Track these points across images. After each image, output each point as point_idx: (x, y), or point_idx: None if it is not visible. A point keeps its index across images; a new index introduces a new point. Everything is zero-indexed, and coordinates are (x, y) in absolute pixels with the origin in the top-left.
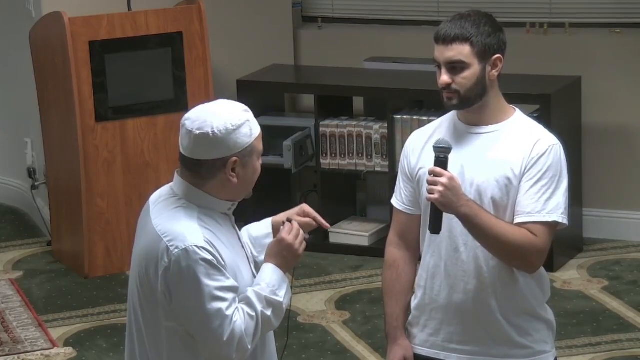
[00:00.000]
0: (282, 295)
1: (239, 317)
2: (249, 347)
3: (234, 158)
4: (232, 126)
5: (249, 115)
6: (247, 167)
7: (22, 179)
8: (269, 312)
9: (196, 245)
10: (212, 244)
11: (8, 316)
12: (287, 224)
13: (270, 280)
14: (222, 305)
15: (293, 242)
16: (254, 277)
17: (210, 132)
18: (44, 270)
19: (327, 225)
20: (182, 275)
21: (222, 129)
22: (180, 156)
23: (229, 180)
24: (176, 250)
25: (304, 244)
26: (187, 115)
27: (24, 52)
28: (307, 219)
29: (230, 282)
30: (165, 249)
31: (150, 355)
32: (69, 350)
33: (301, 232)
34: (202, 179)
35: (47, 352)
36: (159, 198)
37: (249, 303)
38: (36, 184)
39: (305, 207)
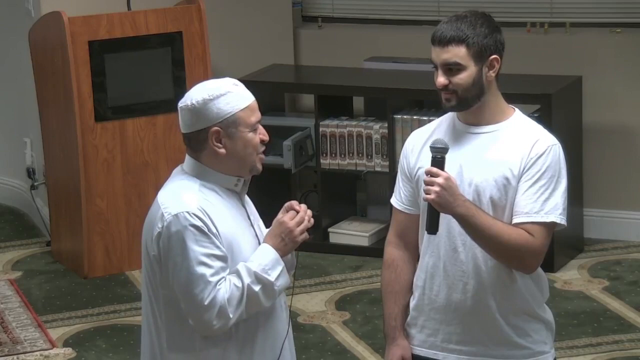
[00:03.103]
0: (273, 275)
1: (223, 286)
2: (231, 316)
3: (215, 128)
4: (210, 96)
5: (236, 87)
6: (234, 138)
7: (22, 178)
8: (256, 288)
9: (187, 212)
10: (207, 213)
11: (7, 316)
12: (292, 211)
13: (263, 259)
14: (207, 271)
15: (293, 228)
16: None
17: (189, 104)
18: (43, 271)
19: (297, 208)
20: (171, 239)
21: (199, 99)
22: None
23: (217, 152)
24: (169, 216)
25: (305, 234)
26: None
27: (23, 51)
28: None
29: (219, 251)
30: (161, 216)
31: (153, 329)
32: (69, 350)
33: (306, 220)
34: (196, 152)
35: (46, 353)
36: (172, 173)
37: (238, 275)
38: (35, 183)
39: (286, 205)
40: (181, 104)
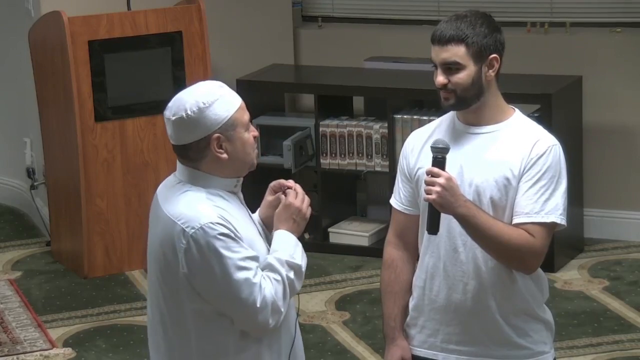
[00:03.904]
0: (299, 258)
1: (266, 284)
2: (282, 310)
3: (216, 135)
4: (204, 104)
5: (223, 90)
6: (233, 140)
7: (21, 178)
8: (292, 275)
9: (211, 222)
10: (226, 219)
11: (7, 316)
12: (291, 191)
13: (287, 246)
14: (249, 274)
15: (301, 206)
16: (268, 250)
17: (185, 115)
18: (43, 271)
19: (289, 184)
20: (203, 253)
21: (195, 109)
22: (172, 147)
23: (219, 157)
24: (192, 230)
25: (310, 209)
26: (167, 105)
27: (23, 51)
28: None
29: (250, 252)
30: (181, 231)
31: (176, 344)
32: (68, 350)
33: (306, 196)
34: (195, 161)
35: (46, 353)
36: (165, 187)
37: (272, 269)
38: (35, 183)
39: (272, 185)
40: (173, 116)
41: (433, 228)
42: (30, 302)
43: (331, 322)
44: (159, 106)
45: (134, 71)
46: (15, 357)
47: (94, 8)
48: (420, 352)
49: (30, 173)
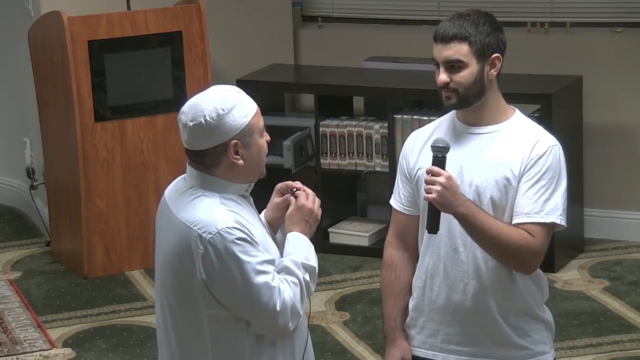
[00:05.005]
0: (313, 260)
1: (285, 287)
2: (301, 312)
3: (234, 141)
4: (224, 110)
5: (241, 96)
6: (249, 147)
7: (21, 178)
8: (307, 277)
9: (228, 227)
10: (242, 224)
11: (7, 317)
12: (302, 193)
13: (302, 248)
14: (267, 278)
15: (314, 208)
16: (279, 252)
17: (203, 121)
18: (42, 271)
19: (298, 185)
20: (221, 258)
21: (214, 115)
22: (185, 151)
23: (235, 164)
24: (209, 235)
25: (320, 210)
26: (182, 109)
27: (23, 51)
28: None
29: (268, 256)
30: (198, 237)
31: (191, 351)
32: (68, 350)
33: (316, 197)
34: (209, 167)
35: (45, 353)
36: (175, 192)
37: (289, 272)
38: (35, 183)
39: (278, 187)
40: (191, 122)
41: (433, 227)
42: (30, 302)
43: (331, 322)
44: (159, 106)
45: (134, 71)
46: (15, 357)
47: (94, 8)
48: (421, 352)
49: (30, 173)
